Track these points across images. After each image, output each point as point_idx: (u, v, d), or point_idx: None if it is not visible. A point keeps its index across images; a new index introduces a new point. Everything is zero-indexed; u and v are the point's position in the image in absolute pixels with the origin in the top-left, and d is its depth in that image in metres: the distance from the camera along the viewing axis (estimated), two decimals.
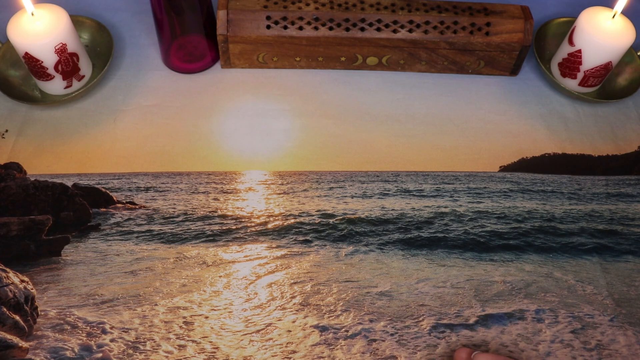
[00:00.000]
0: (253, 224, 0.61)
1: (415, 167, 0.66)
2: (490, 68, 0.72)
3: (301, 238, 0.60)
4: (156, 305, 0.54)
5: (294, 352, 0.51)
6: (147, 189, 0.63)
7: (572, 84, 0.70)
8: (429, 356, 0.52)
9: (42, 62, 0.62)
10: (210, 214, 0.61)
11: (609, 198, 0.65)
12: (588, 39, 0.65)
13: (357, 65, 0.72)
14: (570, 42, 0.68)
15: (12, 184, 0.62)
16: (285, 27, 0.67)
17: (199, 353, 0.51)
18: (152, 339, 0.52)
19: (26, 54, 0.62)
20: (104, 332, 0.52)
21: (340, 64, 0.72)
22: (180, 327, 0.53)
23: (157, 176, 0.64)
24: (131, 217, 0.61)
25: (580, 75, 0.69)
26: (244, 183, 0.64)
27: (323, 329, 0.53)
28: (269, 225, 0.61)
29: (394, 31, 0.68)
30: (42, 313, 0.53)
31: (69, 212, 0.60)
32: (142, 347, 0.51)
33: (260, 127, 0.68)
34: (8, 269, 0.55)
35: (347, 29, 0.68)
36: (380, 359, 0.51)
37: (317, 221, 0.61)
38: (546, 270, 0.59)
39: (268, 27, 0.67)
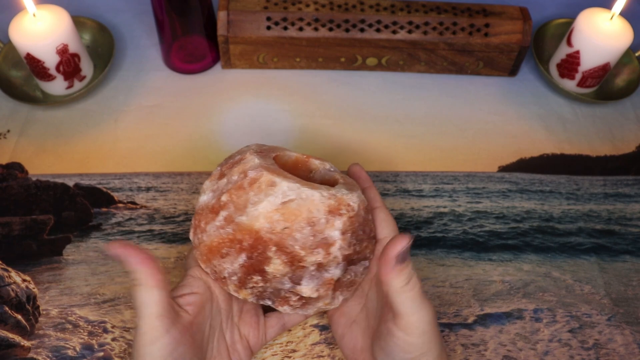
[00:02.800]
0: None
1: (414, 167, 0.67)
2: (489, 69, 0.73)
3: None
4: None
5: (294, 351, 0.52)
6: (148, 189, 0.64)
7: (570, 84, 0.71)
8: None
9: (43, 62, 0.63)
10: None
11: (607, 198, 0.66)
12: (586, 40, 0.66)
13: (357, 66, 0.73)
14: (569, 43, 0.68)
15: (13, 183, 0.62)
16: (285, 28, 0.68)
17: None
18: None
19: (28, 54, 0.62)
20: (106, 331, 0.52)
21: (340, 65, 0.73)
22: None
23: (158, 176, 0.65)
24: (132, 216, 0.61)
25: (578, 76, 0.69)
26: None
27: (323, 328, 0.53)
28: None
29: (394, 32, 0.68)
30: (44, 312, 0.53)
31: (70, 212, 0.61)
32: None
33: (261, 127, 0.68)
34: (10, 268, 0.56)
35: (347, 30, 0.68)
36: None
37: None
38: (544, 269, 0.59)
39: (268, 27, 0.68)
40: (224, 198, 0.40)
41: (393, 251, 0.36)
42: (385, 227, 0.45)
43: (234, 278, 0.40)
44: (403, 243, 0.37)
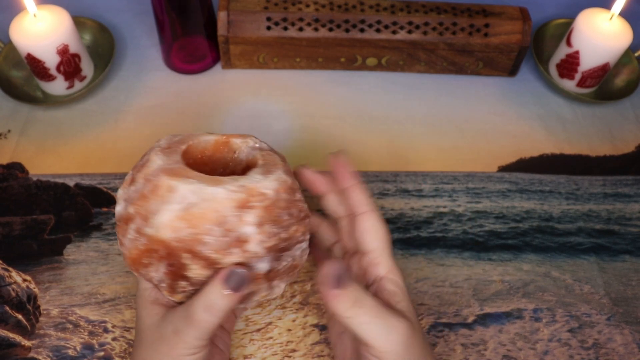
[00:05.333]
0: None
1: (414, 167, 0.67)
2: (489, 69, 0.73)
3: None
4: None
5: (294, 350, 0.52)
6: None
7: (570, 84, 0.71)
8: None
9: (44, 62, 0.63)
10: None
11: (607, 198, 0.66)
12: (586, 40, 0.66)
13: (357, 66, 0.73)
14: (568, 44, 0.68)
15: (14, 183, 0.62)
16: (285, 28, 0.68)
17: None
18: None
19: (28, 54, 0.62)
20: (106, 330, 0.52)
21: (340, 65, 0.73)
22: None
23: None
24: None
25: (578, 76, 0.69)
26: None
27: (323, 328, 0.53)
28: None
29: (394, 32, 0.69)
30: (45, 312, 0.53)
31: (70, 212, 0.61)
32: None
33: (261, 127, 0.68)
34: (10, 268, 0.56)
35: (347, 30, 0.68)
36: None
37: None
38: (544, 269, 0.59)
39: (268, 28, 0.68)
40: (131, 210, 0.38)
41: (326, 275, 0.35)
42: (372, 238, 0.40)
43: (164, 285, 0.39)
44: (334, 268, 0.35)
